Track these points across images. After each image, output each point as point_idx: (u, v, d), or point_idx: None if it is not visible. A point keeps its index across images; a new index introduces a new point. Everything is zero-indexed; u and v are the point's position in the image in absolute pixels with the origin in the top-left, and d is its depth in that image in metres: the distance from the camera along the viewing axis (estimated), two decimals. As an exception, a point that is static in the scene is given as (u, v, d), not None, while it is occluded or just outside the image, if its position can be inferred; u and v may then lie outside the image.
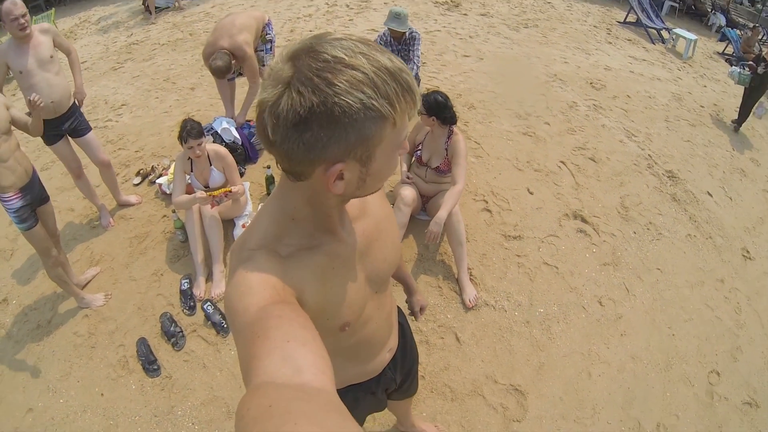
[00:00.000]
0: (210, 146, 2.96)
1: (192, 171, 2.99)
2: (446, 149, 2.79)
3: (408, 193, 2.80)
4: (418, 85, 4.22)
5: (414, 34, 4.01)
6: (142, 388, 2.51)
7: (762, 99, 5.64)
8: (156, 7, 8.19)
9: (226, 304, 0.69)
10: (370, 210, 0.93)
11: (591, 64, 6.11)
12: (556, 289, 2.94)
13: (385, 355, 1.19)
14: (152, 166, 3.86)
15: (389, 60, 0.59)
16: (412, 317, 1.54)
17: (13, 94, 5.28)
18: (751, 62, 5.72)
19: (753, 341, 3.10)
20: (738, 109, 5.67)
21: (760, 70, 5.44)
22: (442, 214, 2.54)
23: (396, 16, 3.87)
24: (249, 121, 3.89)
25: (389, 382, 1.30)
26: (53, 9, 8.69)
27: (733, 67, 5.92)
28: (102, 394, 2.51)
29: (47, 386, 2.57)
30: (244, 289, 0.66)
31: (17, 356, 2.73)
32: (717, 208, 4.11)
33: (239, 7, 7.88)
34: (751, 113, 5.51)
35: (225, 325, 2.68)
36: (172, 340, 2.66)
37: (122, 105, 5.14)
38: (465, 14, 7.22)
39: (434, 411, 2.32)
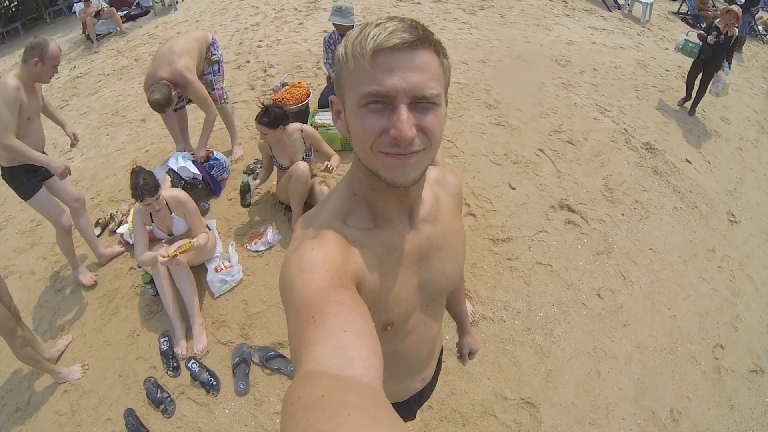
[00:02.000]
0: (167, 193, 2.75)
1: (153, 221, 2.78)
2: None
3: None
4: None
5: None
6: (137, 465, 2.27)
7: (719, 72, 4.83)
8: (97, 35, 7.77)
9: (284, 276, 0.68)
10: (443, 219, 0.91)
11: (553, 39, 6.00)
12: (553, 288, 2.85)
13: (416, 384, 1.16)
14: (111, 214, 3.58)
15: (382, 20, 0.66)
16: (460, 360, 1.54)
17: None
18: (700, 31, 4.99)
19: (750, 307, 3.11)
20: (686, 86, 5.07)
21: (710, 39, 4.69)
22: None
23: (338, 10, 3.65)
24: (209, 151, 3.63)
25: (407, 415, 1.30)
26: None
27: (681, 36, 5.26)
28: (95, 477, 2.26)
29: (36, 476, 2.33)
30: (306, 266, 0.66)
31: (0, 445, 2.50)
32: (698, 175, 4.09)
33: (183, 24, 7.53)
34: (707, 91, 4.91)
35: (214, 383, 2.52)
36: (161, 407, 2.47)
37: (71, 147, 4.81)
38: (418, 3, 7.00)
39: (447, 442, 2.20)
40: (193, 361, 2.62)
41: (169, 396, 2.52)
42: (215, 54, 3.64)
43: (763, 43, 7.90)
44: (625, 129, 4.37)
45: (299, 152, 3.03)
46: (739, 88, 5.91)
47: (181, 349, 2.69)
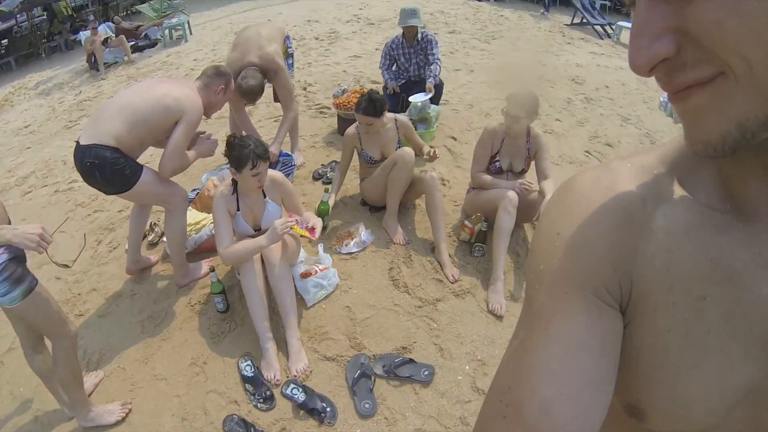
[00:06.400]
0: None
1: (238, 210, 2.26)
2: (528, 148, 2.83)
3: (514, 195, 2.62)
4: (441, 90, 4.18)
5: (429, 36, 3.97)
6: None
7: None
8: (104, 63, 7.71)
9: (539, 235, 0.48)
10: None
11: (564, 63, 6.54)
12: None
13: None
14: (151, 224, 3.09)
15: None
16: None
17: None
18: None
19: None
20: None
21: None
22: (549, 198, 2.59)
23: (411, 13, 3.71)
24: (289, 154, 3.53)
25: None
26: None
27: (662, 95, 4.85)
28: None
29: None
30: (555, 242, 0.45)
31: None
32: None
33: (198, 52, 7.66)
34: None
35: (328, 409, 2.00)
36: (257, 451, 1.88)
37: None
38: (436, 33, 7.49)
39: None
40: (293, 385, 2.08)
41: (265, 435, 1.94)
42: (290, 47, 3.55)
43: None
44: (647, 133, 4.81)
45: (392, 143, 2.89)
46: None
47: (274, 372, 2.13)
